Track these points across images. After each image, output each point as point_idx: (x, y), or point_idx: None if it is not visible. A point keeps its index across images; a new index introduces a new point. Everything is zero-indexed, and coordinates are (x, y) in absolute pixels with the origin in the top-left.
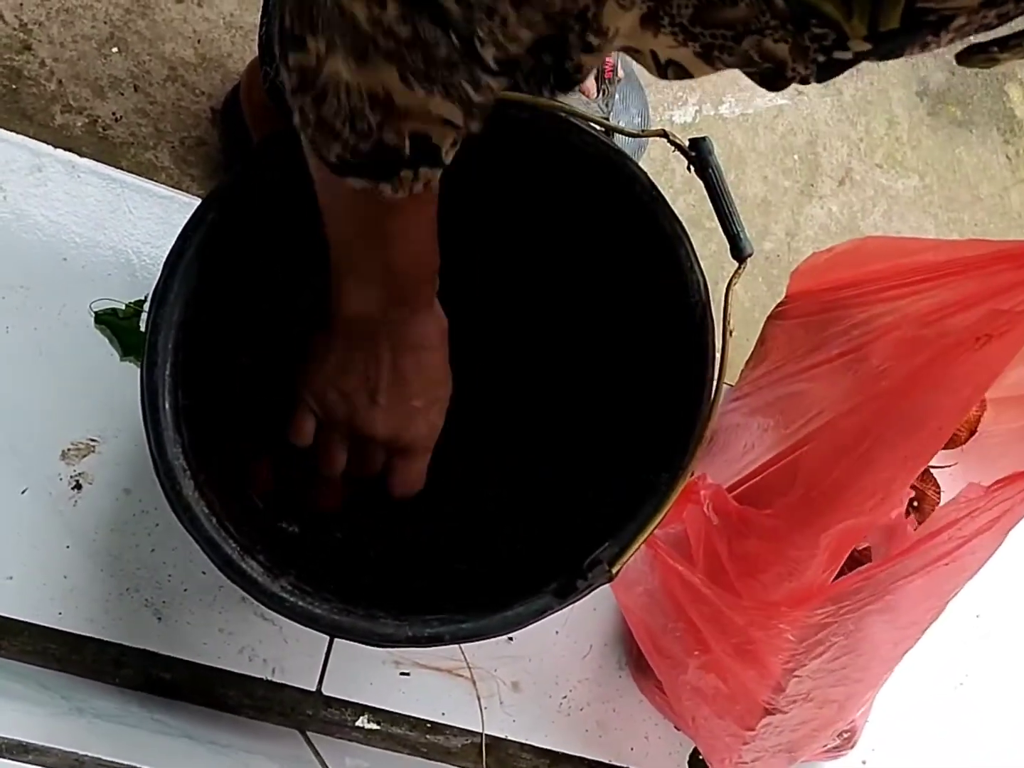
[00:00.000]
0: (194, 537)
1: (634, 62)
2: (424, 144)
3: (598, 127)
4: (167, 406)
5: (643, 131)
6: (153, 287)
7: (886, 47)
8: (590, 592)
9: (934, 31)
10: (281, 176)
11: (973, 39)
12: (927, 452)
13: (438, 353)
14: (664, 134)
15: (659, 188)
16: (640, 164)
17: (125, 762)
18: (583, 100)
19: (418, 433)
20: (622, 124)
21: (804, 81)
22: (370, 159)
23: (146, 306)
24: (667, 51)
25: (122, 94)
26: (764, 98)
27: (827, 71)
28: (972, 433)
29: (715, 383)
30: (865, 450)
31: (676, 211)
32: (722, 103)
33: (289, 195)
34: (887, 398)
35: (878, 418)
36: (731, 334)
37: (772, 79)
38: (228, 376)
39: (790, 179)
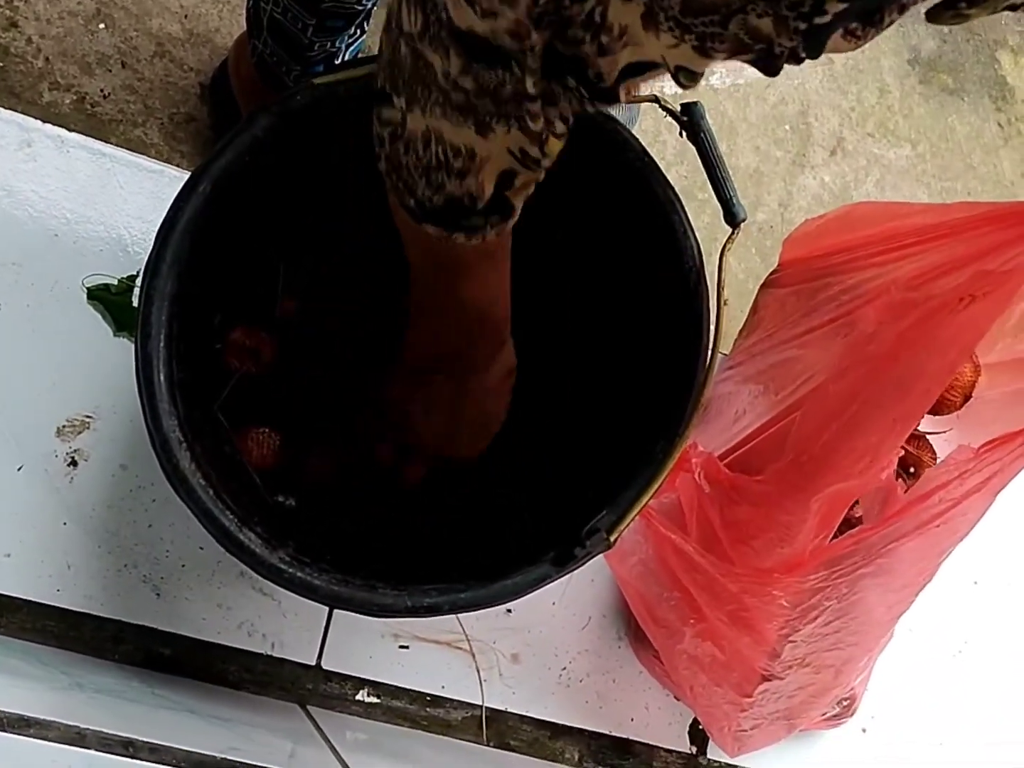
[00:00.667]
0: (191, 509)
1: None
2: (505, 181)
3: None
4: (162, 378)
5: (635, 96)
6: (145, 260)
7: (863, 5)
8: (588, 560)
9: None
10: (272, 147)
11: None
12: (915, 414)
13: (502, 398)
14: (655, 99)
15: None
16: None
17: (127, 735)
18: None
19: (459, 451)
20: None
21: (795, 57)
22: (443, 210)
23: (138, 280)
24: (672, 54)
25: (110, 71)
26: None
27: (813, 40)
28: (967, 398)
29: (710, 350)
30: (854, 414)
31: None
32: (713, 73)
33: (280, 167)
34: (875, 362)
35: (866, 382)
36: (725, 303)
37: (767, 61)
38: (222, 349)
39: (782, 149)
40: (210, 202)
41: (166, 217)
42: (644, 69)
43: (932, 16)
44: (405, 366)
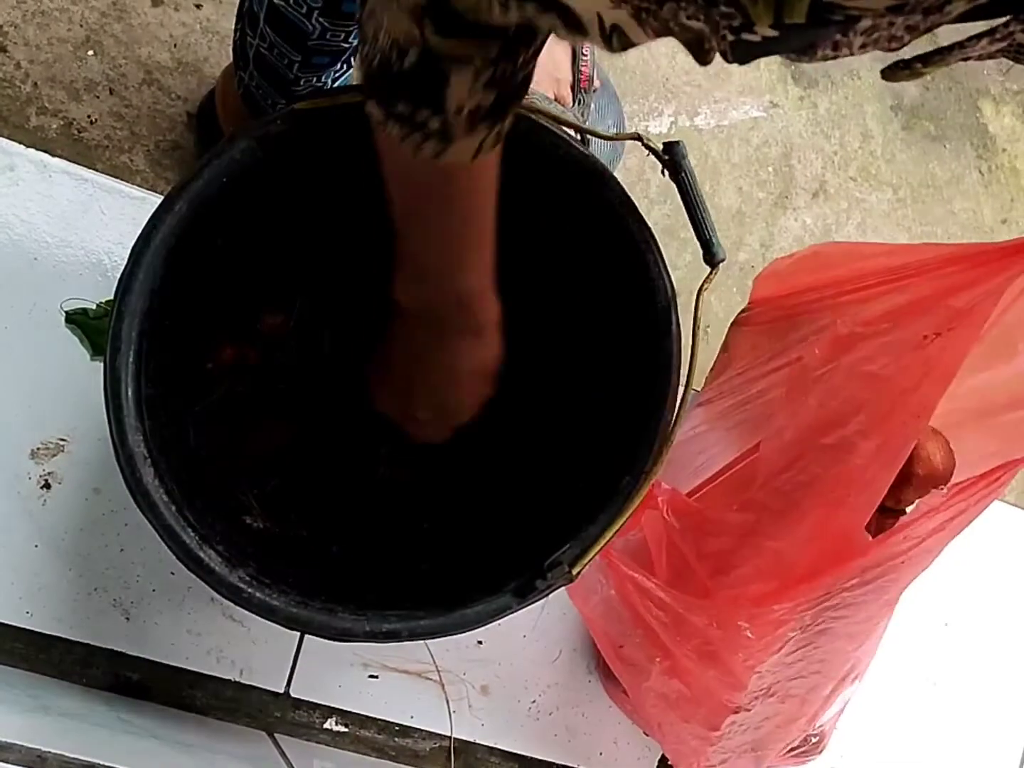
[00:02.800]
0: (152, 524)
1: (609, 74)
2: (425, 61)
3: (571, 131)
4: (129, 393)
5: (617, 133)
6: (120, 275)
7: (795, 41)
8: (550, 593)
9: (842, 31)
10: (250, 170)
11: (895, 56)
12: (897, 452)
13: (478, 380)
14: (638, 137)
15: (632, 197)
16: (616, 174)
17: (88, 759)
18: (559, 108)
19: (423, 425)
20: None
21: (724, 56)
22: (377, 74)
23: None
24: (608, 13)
25: (97, 97)
26: (739, 110)
27: (740, 52)
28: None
29: (681, 388)
30: (810, 461)
31: (652, 221)
32: (697, 114)
33: (258, 189)
34: (823, 398)
35: (817, 422)
36: (707, 339)
37: (698, 50)
38: (194, 370)
39: (764, 191)
40: (186, 221)
41: (141, 234)
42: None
43: (888, 74)
44: (391, 322)
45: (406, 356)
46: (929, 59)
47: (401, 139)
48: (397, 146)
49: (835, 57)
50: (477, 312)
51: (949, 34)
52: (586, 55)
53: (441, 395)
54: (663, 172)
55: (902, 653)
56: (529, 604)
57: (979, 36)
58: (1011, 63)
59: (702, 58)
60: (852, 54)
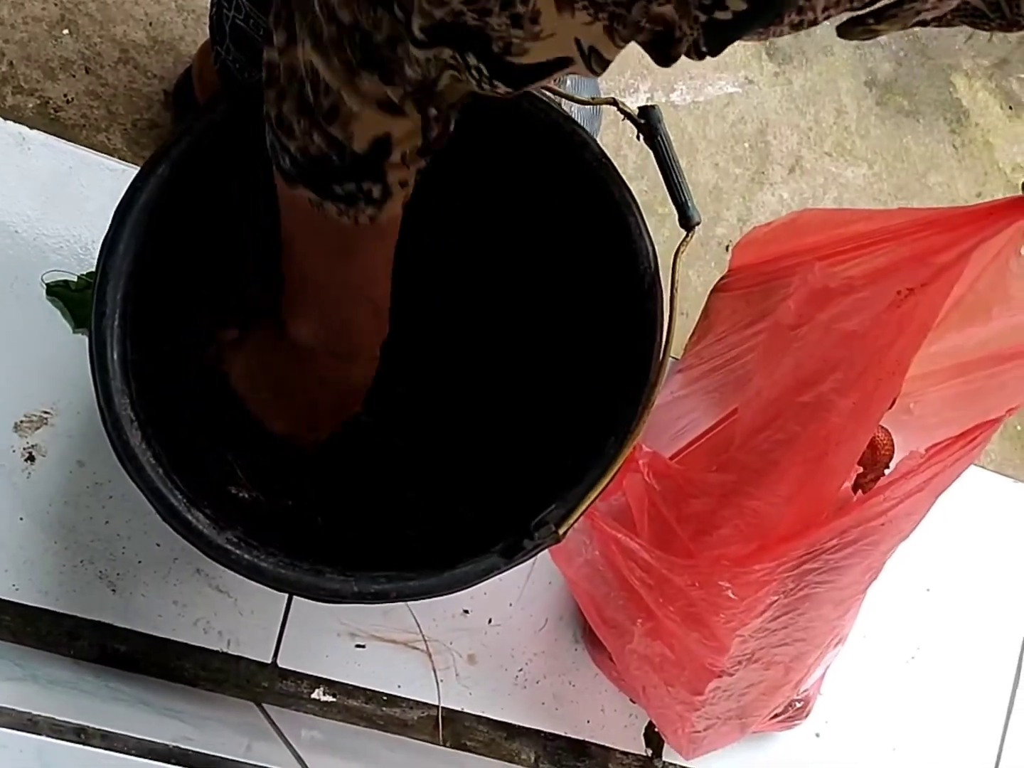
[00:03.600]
0: (139, 487)
1: None
2: (374, 149)
3: (549, 94)
4: (115, 356)
5: (593, 99)
6: (103, 238)
7: (764, 9)
8: (537, 552)
9: None
10: (230, 132)
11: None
12: (876, 405)
13: (353, 400)
14: (614, 102)
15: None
16: None
17: (79, 722)
18: None
19: (298, 437)
20: (574, 110)
21: (696, 50)
22: (316, 163)
23: None
24: (585, 33)
25: (73, 76)
26: (715, 86)
27: (713, 34)
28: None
29: (662, 349)
30: (787, 419)
31: None
32: (673, 91)
33: (239, 152)
34: (799, 356)
35: (793, 381)
36: (685, 313)
37: (664, 46)
38: (180, 335)
39: (741, 167)
40: (169, 185)
41: (124, 197)
42: (553, 68)
43: (843, 31)
44: (280, 335)
45: (279, 368)
46: (882, 15)
47: (339, 215)
48: (327, 219)
49: (800, 22)
50: (357, 340)
51: None
52: None
53: (304, 411)
54: (638, 137)
55: (885, 619)
56: (517, 564)
57: None
58: (973, 32)
59: (669, 52)
60: (817, 19)
